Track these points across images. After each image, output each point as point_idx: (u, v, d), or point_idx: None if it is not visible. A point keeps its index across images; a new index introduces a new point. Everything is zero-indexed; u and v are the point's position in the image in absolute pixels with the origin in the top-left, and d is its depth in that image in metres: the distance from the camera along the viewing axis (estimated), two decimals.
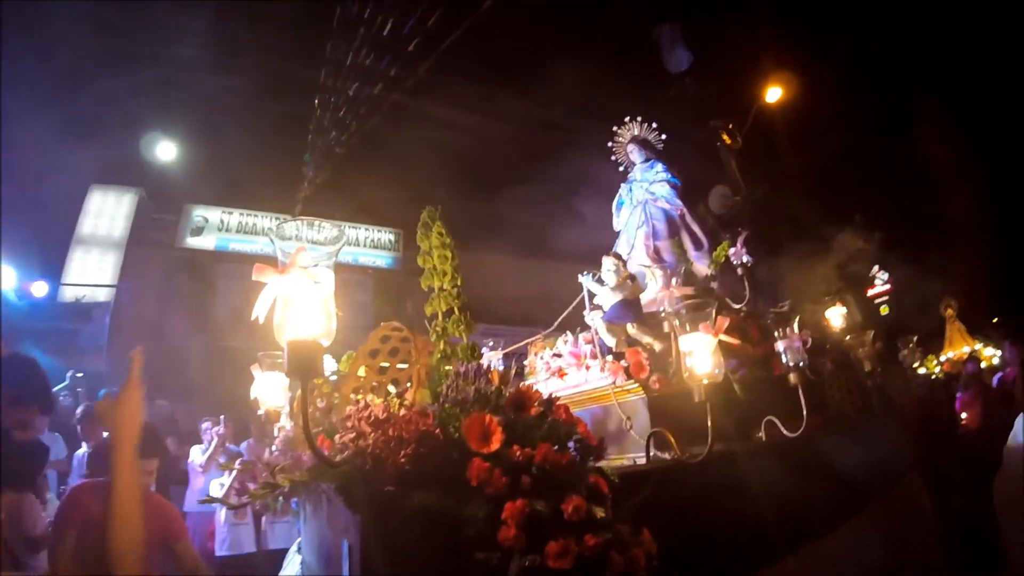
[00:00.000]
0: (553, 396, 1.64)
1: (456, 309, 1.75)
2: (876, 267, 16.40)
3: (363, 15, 8.04)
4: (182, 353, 11.02)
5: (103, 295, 10.26)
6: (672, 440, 2.16)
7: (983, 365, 7.84)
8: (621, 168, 4.80)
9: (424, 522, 1.32)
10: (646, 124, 4.66)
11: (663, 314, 2.89)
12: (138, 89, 9.93)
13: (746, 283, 3.82)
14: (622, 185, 4.63)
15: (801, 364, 2.83)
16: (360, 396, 1.86)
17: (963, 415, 5.92)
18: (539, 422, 1.52)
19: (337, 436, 1.47)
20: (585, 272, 3.54)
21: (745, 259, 3.81)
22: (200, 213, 11.82)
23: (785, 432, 2.66)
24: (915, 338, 7.14)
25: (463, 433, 1.41)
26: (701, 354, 2.08)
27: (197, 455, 6.18)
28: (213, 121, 10.84)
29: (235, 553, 5.58)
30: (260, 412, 3.91)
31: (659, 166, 4.47)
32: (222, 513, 5.64)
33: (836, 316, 4.49)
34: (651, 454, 2.28)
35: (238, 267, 11.78)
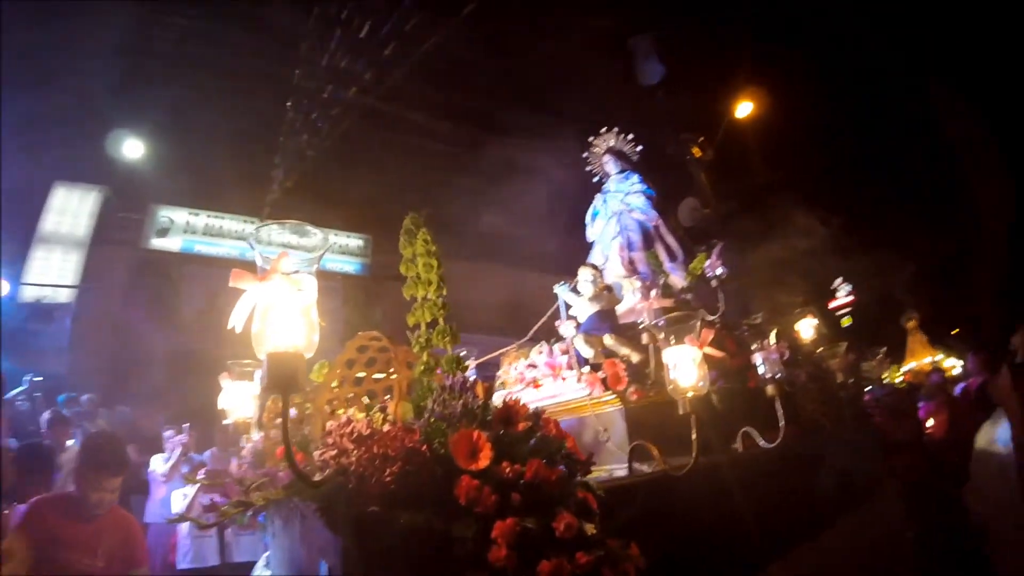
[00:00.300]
0: (540, 410, 1.59)
1: (441, 320, 1.69)
2: (839, 279, 16.87)
3: (340, 17, 7.94)
4: (145, 357, 10.72)
5: (65, 296, 9.94)
6: (655, 452, 2.14)
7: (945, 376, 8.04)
8: (596, 179, 4.81)
9: (411, 543, 1.26)
10: (622, 135, 4.68)
11: (642, 326, 2.88)
12: (107, 84, 9.63)
13: (720, 295, 3.85)
14: (597, 195, 4.63)
15: (778, 376, 2.85)
16: (338, 408, 1.78)
17: (928, 424, 6.04)
18: (527, 437, 1.47)
19: (316, 452, 1.39)
20: (561, 283, 3.52)
21: (720, 271, 3.84)
22: (166, 214, 11.54)
23: (762, 443, 2.67)
24: (884, 349, 7.30)
25: (451, 450, 1.36)
26: (686, 367, 2.07)
27: (159, 464, 5.99)
28: (182, 120, 10.56)
29: (198, 566, 5.40)
30: (228, 422, 3.80)
31: (634, 177, 4.47)
32: (185, 524, 5.44)
33: (807, 328, 4.57)
34: (632, 467, 2.25)
35: (204, 270, 11.59)
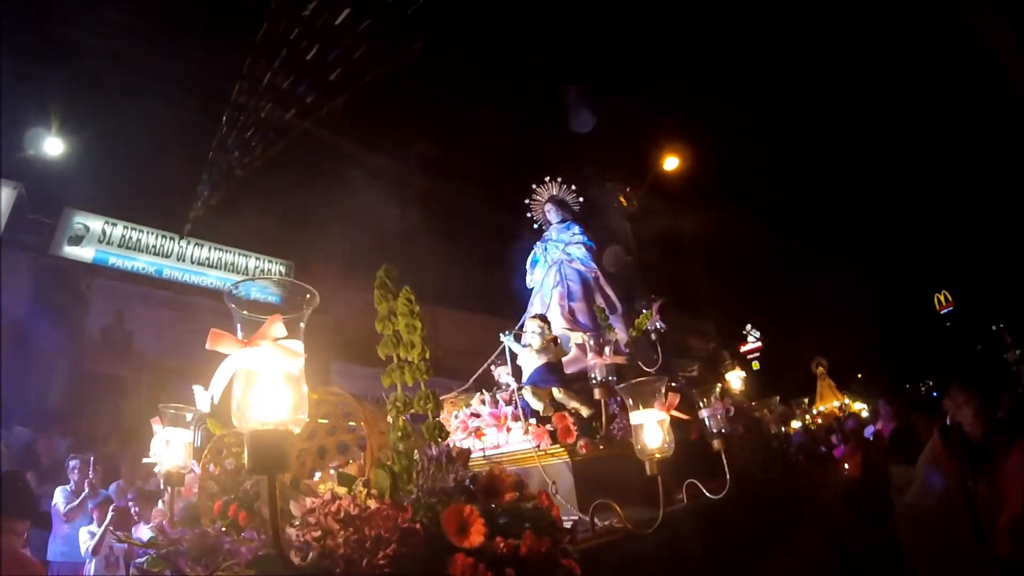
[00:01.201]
0: (520, 480, 1.55)
1: (422, 384, 1.63)
2: (748, 326, 17.92)
3: (288, 36, 7.74)
4: (46, 374, 9.83)
5: None
6: (619, 511, 2.15)
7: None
8: (536, 226, 4.86)
9: None
10: (564, 185, 4.76)
11: (594, 381, 2.90)
12: (30, 77, 8.95)
13: (659, 348, 3.94)
14: (537, 243, 4.67)
15: (724, 431, 2.94)
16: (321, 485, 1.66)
17: (845, 466, 6.39)
18: (515, 508, 1.43)
19: (295, 532, 1.28)
20: (506, 332, 3.50)
21: (659, 325, 3.93)
22: (81, 220, 10.79)
23: (708, 494, 2.73)
24: (806, 400, 7.75)
25: (443, 527, 1.29)
26: (652, 429, 2.09)
27: (61, 500, 5.59)
28: (106, 124, 9.93)
29: None
30: (157, 470, 3.53)
31: (575, 228, 4.54)
32: (91, 565, 5.06)
33: (736, 379, 4.76)
34: (593, 523, 2.25)
35: (116, 284, 11.00)
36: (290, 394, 1.18)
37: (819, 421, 9.60)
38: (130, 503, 5.20)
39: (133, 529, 5.25)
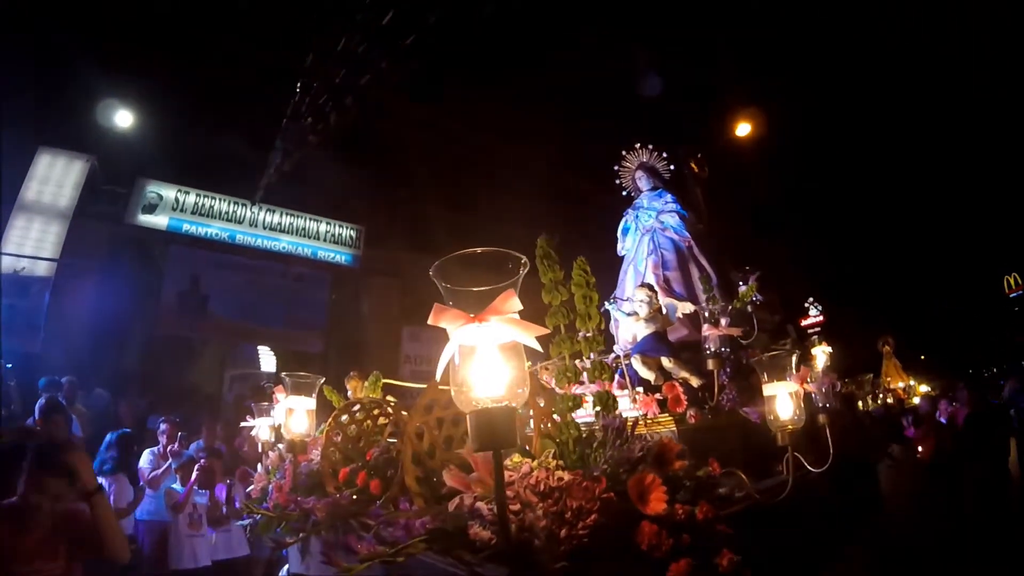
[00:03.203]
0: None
1: (595, 355, 1.66)
2: (810, 299, 17.43)
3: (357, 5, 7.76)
4: (123, 338, 10.31)
5: (44, 269, 9.38)
6: (745, 479, 2.17)
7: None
8: (624, 193, 4.82)
9: None
10: (655, 152, 4.69)
11: (708, 352, 2.90)
12: (100, 51, 9.23)
13: (755, 322, 3.88)
14: (627, 211, 4.63)
15: (829, 405, 2.91)
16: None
17: (919, 448, 6.27)
18: (691, 476, 1.47)
19: (485, 506, 1.32)
20: (610, 300, 3.51)
21: (756, 298, 3.87)
22: (154, 189, 11.08)
23: (810, 468, 2.72)
24: (871, 375, 7.57)
25: (630, 495, 1.34)
26: (784, 401, 2.10)
27: (147, 463, 5.66)
28: (176, 94, 10.19)
29: (191, 567, 5.22)
30: (255, 434, 3.67)
31: (668, 196, 4.48)
32: (177, 523, 5.27)
33: (822, 354, 4.67)
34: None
35: (189, 251, 11.34)
36: (514, 369, 1.17)
37: (889, 400, 9.38)
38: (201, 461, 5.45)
39: (218, 489, 5.52)
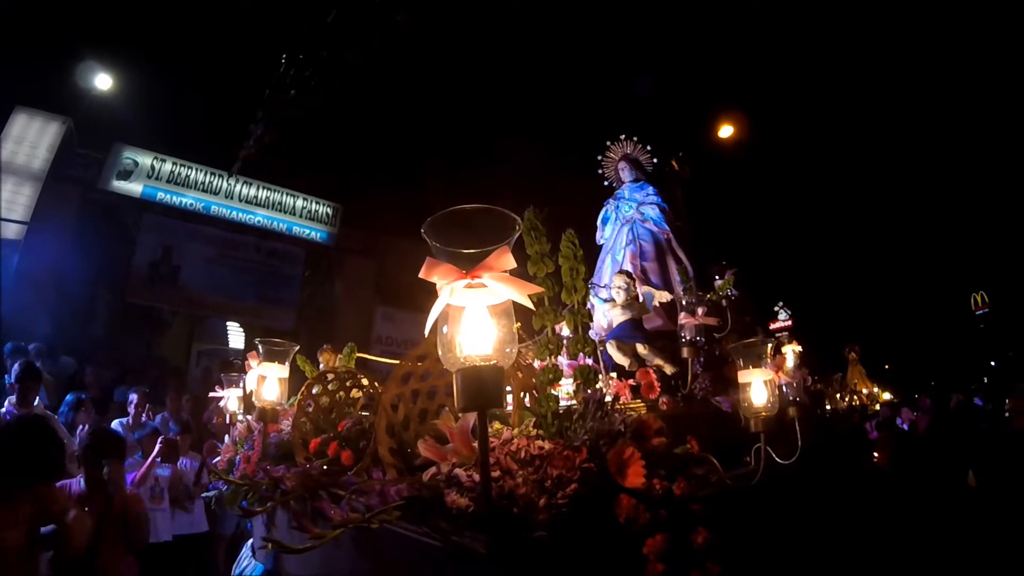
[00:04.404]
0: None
1: (580, 328, 1.66)
2: (780, 303, 17.77)
3: None
4: (90, 306, 10.05)
5: (13, 232, 9.13)
6: (717, 465, 2.20)
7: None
8: (606, 183, 4.84)
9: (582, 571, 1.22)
10: (638, 145, 4.72)
11: (684, 340, 2.92)
12: (84, 10, 8.94)
13: (728, 315, 3.93)
14: (608, 200, 4.66)
15: (798, 399, 2.96)
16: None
17: (875, 454, 6.41)
18: (669, 453, 1.47)
19: (463, 472, 1.31)
20: (589, 285, 3.51)
21: (731, 292, 3.92)
22: (130, 155, 10.82)
23: (777, 460, 2.77)
24: (840, 375, 7.70)
25: (609, 467, 1.34)
26: (759, 388, 2.12)
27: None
28: (157, 59, 9.93)
29: (152, 540, 5.13)
30: (223, 404, 3.61)
31: (649, 188, 4.53)
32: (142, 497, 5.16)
33: (791, 353, 4.72)
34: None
35: (163, 220, 11.12)
36: (503, 328, 1.16)
37: (855, 403, 9.56)
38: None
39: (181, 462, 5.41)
